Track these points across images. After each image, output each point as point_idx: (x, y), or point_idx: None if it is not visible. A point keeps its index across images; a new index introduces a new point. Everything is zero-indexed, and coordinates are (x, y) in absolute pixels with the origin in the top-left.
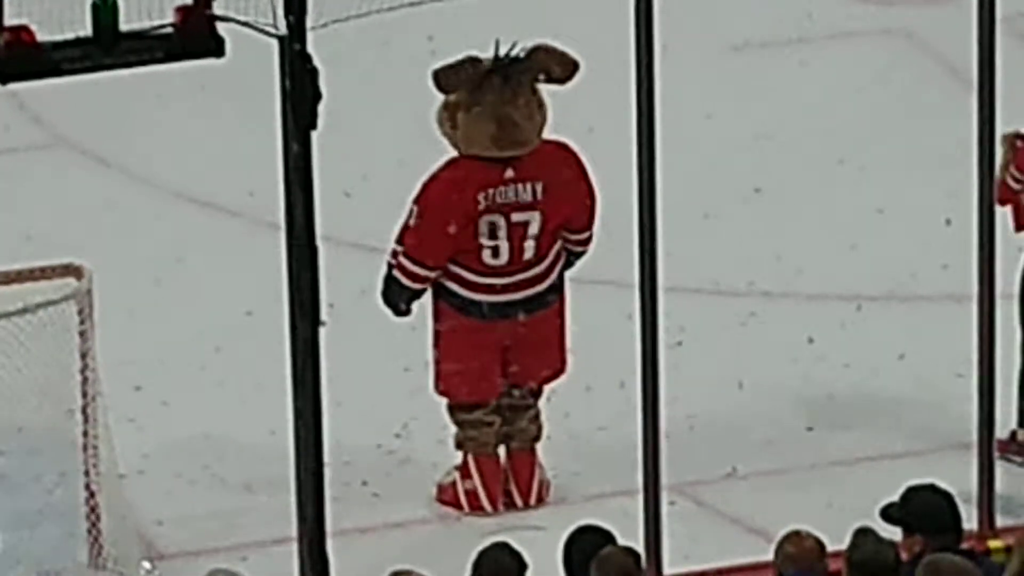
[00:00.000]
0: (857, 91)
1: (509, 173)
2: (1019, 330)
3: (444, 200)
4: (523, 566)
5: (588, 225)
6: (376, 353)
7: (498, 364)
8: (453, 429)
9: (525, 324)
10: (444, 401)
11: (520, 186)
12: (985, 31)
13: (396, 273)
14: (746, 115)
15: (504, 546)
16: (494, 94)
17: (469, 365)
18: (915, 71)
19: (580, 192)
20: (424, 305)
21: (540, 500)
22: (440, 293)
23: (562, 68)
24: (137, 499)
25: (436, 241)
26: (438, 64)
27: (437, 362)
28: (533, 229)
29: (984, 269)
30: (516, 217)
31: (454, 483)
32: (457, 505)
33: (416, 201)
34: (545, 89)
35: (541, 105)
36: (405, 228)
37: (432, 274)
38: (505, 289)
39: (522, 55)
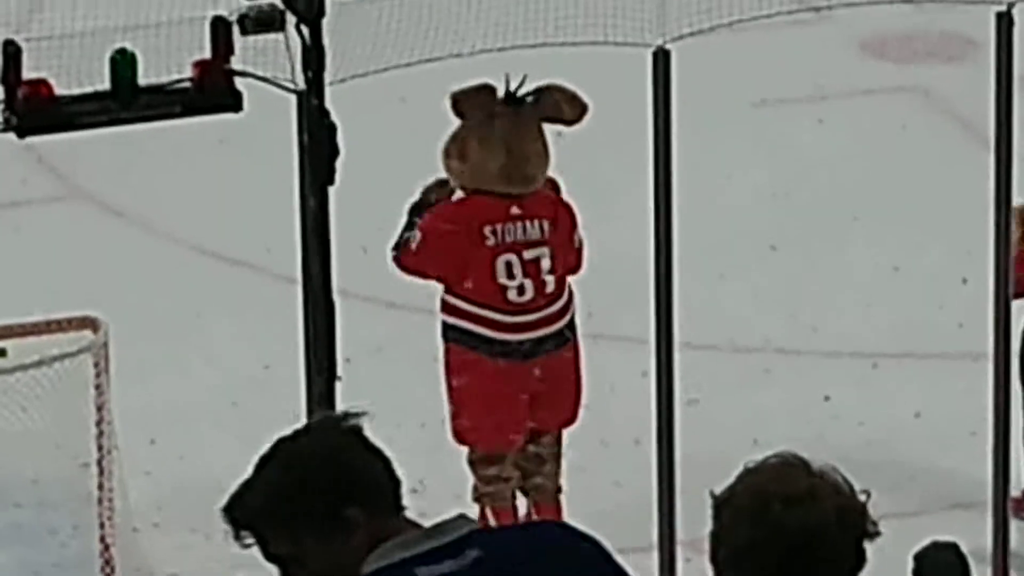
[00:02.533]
0: (873, 148)
1: (515, 210)
2: (1020, 388)
3: (446, 233)
4: None
5: (576, 270)
6: (392, 408)
7: (520, 416)
8: (471, 483)
9: (545, 372)
10: (464, 452)
11: (527, 223)
12: (1003, 89)
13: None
14: (762, 172)
15: None
16: (505, 126)
17: (490, 417)
18: (932, 129)
19: (574, 236)
20: (438, 360)
21: None
22: (457, 336)
23: (571, 108)
24: (151, 553)
25: (434, 266)
26: (455, 88)
27: (457, 414)
28: (546, 265)
29: (1000, 328)
30: (528, 255)
31: None
32: None
33: (418, 227)
34: (559, 144)
35: (546, 146)
36: (406, 244)
37: (430, 280)
38: (533, 326)
39: (532, 91)
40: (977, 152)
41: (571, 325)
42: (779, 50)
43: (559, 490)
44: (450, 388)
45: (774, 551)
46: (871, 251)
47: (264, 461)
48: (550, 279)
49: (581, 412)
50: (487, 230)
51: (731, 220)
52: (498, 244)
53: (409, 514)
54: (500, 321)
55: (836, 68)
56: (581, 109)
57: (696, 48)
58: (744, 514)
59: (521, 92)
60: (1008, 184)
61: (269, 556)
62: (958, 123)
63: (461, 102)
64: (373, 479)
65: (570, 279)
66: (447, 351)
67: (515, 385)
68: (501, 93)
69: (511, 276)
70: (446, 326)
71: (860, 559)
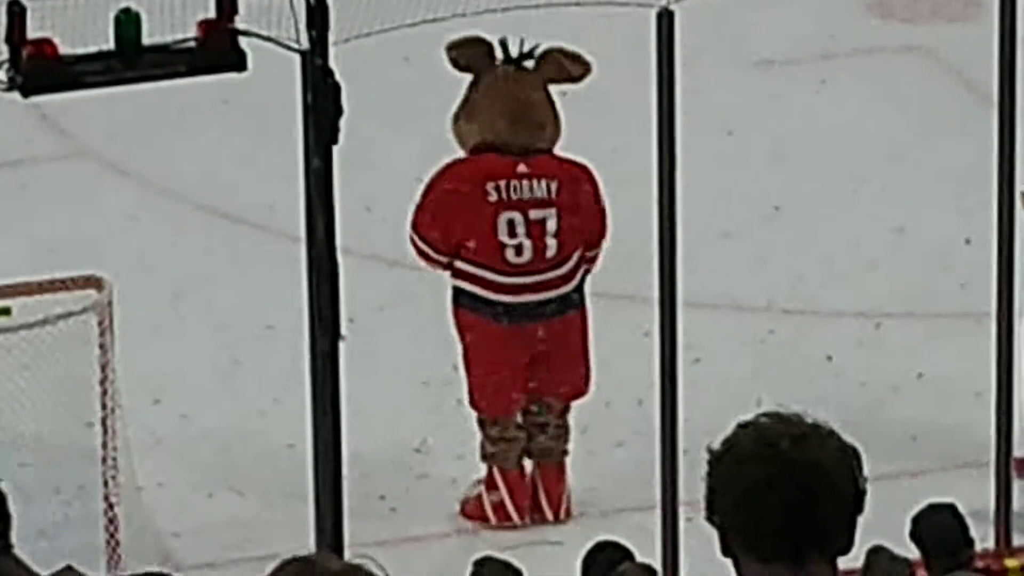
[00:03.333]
0: (878, 109)
1: (522, 168)
2: None
3: (452, 185)
4: None
5: (599, 243)
6: (395, 367)
7: (521, 378)
8: (478, 440)
9: (548, 334)
10: (474, 414)
11: (535, 182)
12: (1006, 49)
13: (413, 249)
14: (766, 133)
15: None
16: (510, 83)
17: (491, 378)
18: (936, 89)
19: (596, 211)
20: (445, 317)
21: (568, 514)
22: (462, 300)
23: (575, 67)
24: (156, 511)
25: (436, 225)
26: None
27: (466, 376)
28: (551, 227)
29: (1003, 288)
30: (533, 214)
31: (479, 496)
32: (483, 518)
33: (425, 185)
34: (562, 104)
35: (554, 105)
36: (417, 207)
37: (442, 259)
38: (530, 289)
39: (534, 54)
40: (981, 112)
41: (579, 290)
42: (783, 10)
43: (565, 453)
44: (462, 352)
45: (784, 488)
46: (874, 212)
47: None
48: (552, 242)
49: (590, 386)
50: (490, 186)
51: (735, 181)
52: (501, 200)
53: (411, 472)
54: (497, 282)
55: (841, 28)
56: (584, 67)
57: (700, 9)
58: (749, 456)
59: (521, 54)
60: (1012, 145)
61: None
62: (962, 83)
63: (458, 53)
64: None
65: (601, 246)
66: (454, 314)
67: (515, 347)
68: (499, 52)
69: (512, 234)
70: (454, 290)
71: (859, 503)
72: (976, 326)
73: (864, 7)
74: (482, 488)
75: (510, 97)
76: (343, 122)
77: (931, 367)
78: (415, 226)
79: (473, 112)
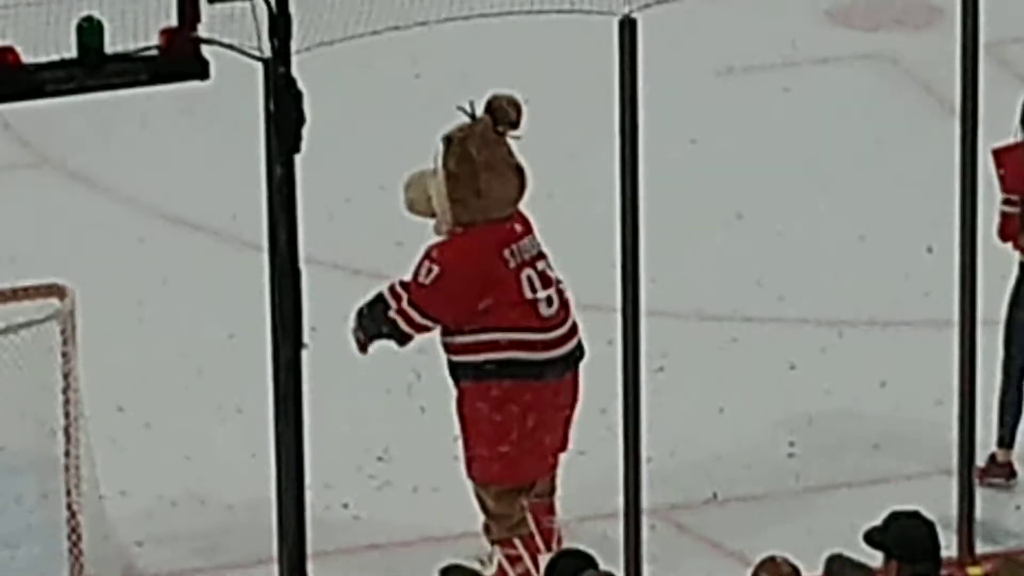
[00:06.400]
0: (840, 117)
1: (518, 227)
2: (1002, 351)
3: (469, 265)
4: None
5: None
6: (358, 376)
7: (560, 432)
8: (483, 523)
9: (574, 382)
10: (492, 489)
11: (529, 239)
12: (968, 57)
13: (395, 316)
14: (729, 140)
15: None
16: (500, 150)
17: (537, 440)
18: (898, 97)
19: None
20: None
21: (559, 543)
22: (501, 372)
23: (517, 112)
24: (118, 519)
25: (454, 303)
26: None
27: (493, 452)
28: (551, 275)
29: (966, 296)
30: (540, 266)
31: (503, 573)
32: None
33: (432, 260)
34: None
35: None
36: (415, 282)
37: (436, 326)
38: (565, 338)
39: (485, 108)
40: (943, 120)
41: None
42: (745, 18)
43: (554, 491)
44: (495, 425)
45: None
46: (837, 220)
47: None
48: (564, 288)
49: None
50: (506, 252)
51: (697, 188)
52: (517, 263)
53: (374, 481)
54: (540, 340)
55: (802, 36)
56: (519, 112)
57: (663, 16)
58: None
59: (478, 110)
60: (974, 152)
61: None
62: (924, 91)
63: (467, 140)
64: None
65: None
66: (485, 389)
67: (558, 401)
68: (483, 119)
69: (535, 289)
70: (473, 365)
71: None
72: (938, 334)
73: (825, 15)
74: (506, 564)
75: (515, 172)
76: (305, 130)
77: (893, 375)
78: (419, 304)
79: (480, 188)
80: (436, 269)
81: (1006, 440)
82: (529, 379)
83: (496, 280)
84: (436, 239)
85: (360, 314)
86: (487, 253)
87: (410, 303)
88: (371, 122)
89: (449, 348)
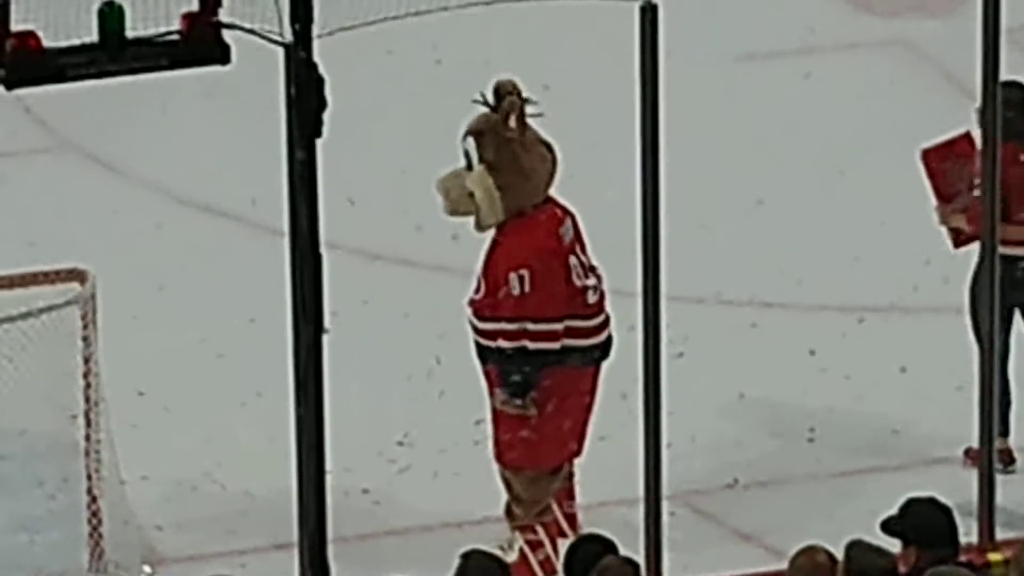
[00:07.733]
0: (860, 102)
1: (559, 211)
2: (976, 343)
3: (547, 252)
4: (506, 570)
5: None
6: (378, 361)
7: (582, 415)
8: (505, 504)
9: (592, 373)
10: (526, 475)
11: (569, 221)
12: (989, 43)
13: (527, 342)
14: (749, 126)
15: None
16: (526, 128)
17: (578, 422)
18: (918, 82)
19: None
20: (428, 310)
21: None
22: (550, 359)
23: (518, 95)
24: (138, 504)
25: (553, 294)
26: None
27: (540, 436)
28: (586, 260)
29: (987, 281)
30: (579, 252)
31: (524, 558)
32: None
33: (513, 268)
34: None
35: None
36: (509, 300)
37: (562, 326)
38: (605, 325)
39: (494, 93)
40: (964, 106)
41: None
42: (765, 4)
43: (573, 475)
44: (540, 410)
45: None
46: (857, 205)
47: None
48: (601, 275)
49: None
50: (561, 231)
51: (718, 174)
52: (567, 245)
53: (394, 466)
54: (585, 327)
55: (822, 22)
56: (519, 94)
57: (683, 2)
58: None
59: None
60: (995, 138)
61: None
62: (944, 77)
63: (498, 128)
64: None
65: None
66: (537, 377)
67: (595, 387)
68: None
69: (579, 276)
70: (541, 352)
71: None
72: (958, 320)
73: (845, 1)
74: (526, 549)
75: (547, 150)
76: (326, 115)
77: (913, 361)
78: (532, 315)
79: (524, 169)
80: (525, 273)
81: (999, 429)
82: (579, 364)
83: (559, 263)
84: (492, 253)
85: (508, 383)
86: (551, 235)
87: (531, 320)
88: (392, 108)
89: (488, 334)
